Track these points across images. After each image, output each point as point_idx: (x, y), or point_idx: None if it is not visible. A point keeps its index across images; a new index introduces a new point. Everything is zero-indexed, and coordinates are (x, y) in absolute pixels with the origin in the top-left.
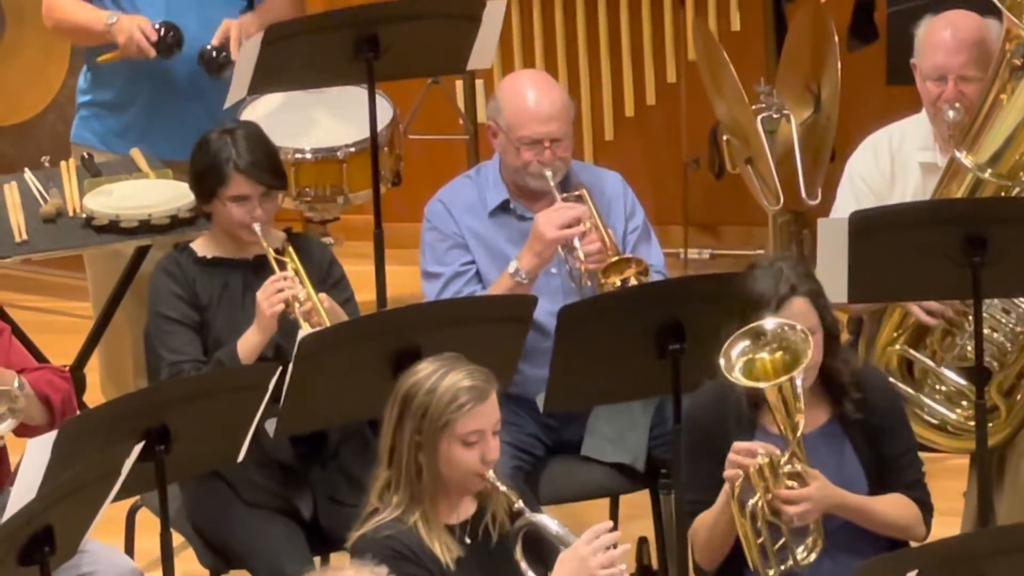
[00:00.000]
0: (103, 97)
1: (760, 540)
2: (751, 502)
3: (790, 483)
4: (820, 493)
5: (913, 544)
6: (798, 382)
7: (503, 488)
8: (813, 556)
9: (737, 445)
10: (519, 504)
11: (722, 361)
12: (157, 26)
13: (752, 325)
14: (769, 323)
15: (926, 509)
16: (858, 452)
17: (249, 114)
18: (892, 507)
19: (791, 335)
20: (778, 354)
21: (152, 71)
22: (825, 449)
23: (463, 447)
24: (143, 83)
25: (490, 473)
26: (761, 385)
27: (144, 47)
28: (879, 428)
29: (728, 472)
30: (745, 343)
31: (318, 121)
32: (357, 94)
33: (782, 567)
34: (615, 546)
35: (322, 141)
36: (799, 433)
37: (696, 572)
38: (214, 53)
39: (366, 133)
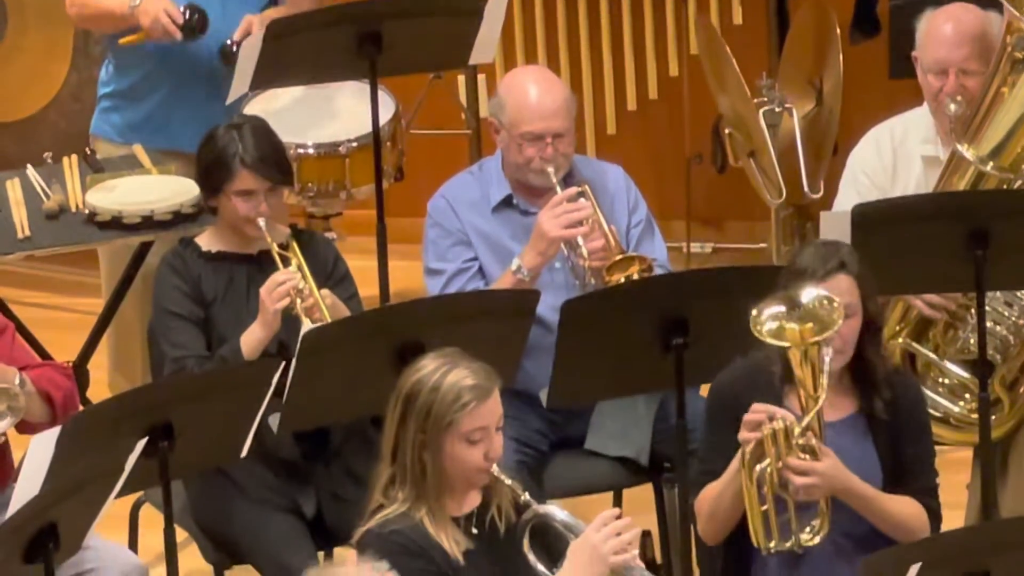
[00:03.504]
0: (123, 87)
1: (764, 508)
2: (760, 467)
3: (802, 455)
4: (830, 471)
5: None
6: (826, 357)
7: (509, 482)
8: (817, 539)
9: (757, 405)
10: (526, 496)
11: (752, 314)
12: (182, 8)
13: (790, 291)
14: (807, 293)
15: (935, 517)
16: (878, 449)
17: (252, 109)
18: (901, 507)
19: (824, 309)
20: (808, 325)
21: (174, 61)
22: (847, 440)
23: (467, 445)
24: (164, 74)
25: (494, 467)
26: (785, 344)
27: (170, 29)
28: (904, 430)
29: (743, 432)
30: (779, 308)
31: (321, 116)
32: (359, 89)
33: (785, 544)
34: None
35: (325, 136)
36: (819, 407)
37: (699, 565)
38: (234, 48)
39: (368, 128)
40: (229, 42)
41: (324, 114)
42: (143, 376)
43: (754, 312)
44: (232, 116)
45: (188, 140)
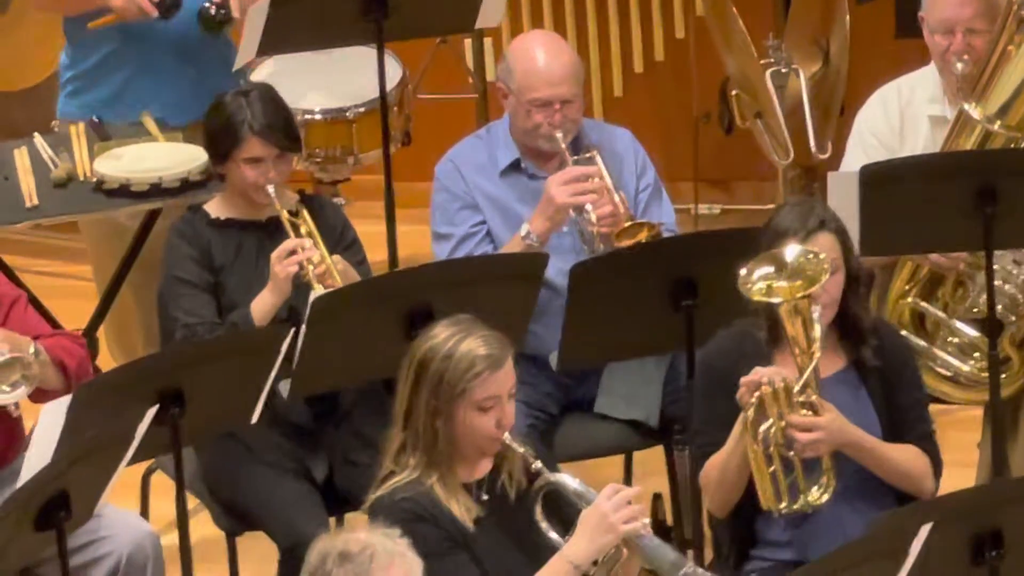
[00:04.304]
0: (87, 67)
1: (772, 469)
2: (763, 427)
3: (804, 412)
4: (833, 425)
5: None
6: (816, 314)
7: (521, 450)
8: (826, 497)
9: (754, 369)
10: (537, 464)
11: (742, 274)
12: None
13: (775, 250)
14: (792, 251)
15: (936, 463)
16: (873, 399)
17: (255, 76)
18: (904, 455)
19: (811, 264)
20: (797, 282)
21: (142, 35)
22: (842, 394)
23: (479, 413)
24: (129, 51)
25: (506, 435)
26: (776, 300)
27: (146, 8)
28: (894, 378)
29: (743, 391)
30: (767, 268)
31: (327, 81)
32: (366, 54)
33: (795, 505)
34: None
35: (331, 102)
36: (814, 363)
37: (710, 527)
38: (213, 10)
39: (375, 93)
40: (207, 4)
41: (331, 80)
42: (144, 348)
43: (743, 273)
44: (206, 85)
45: (166, 112)
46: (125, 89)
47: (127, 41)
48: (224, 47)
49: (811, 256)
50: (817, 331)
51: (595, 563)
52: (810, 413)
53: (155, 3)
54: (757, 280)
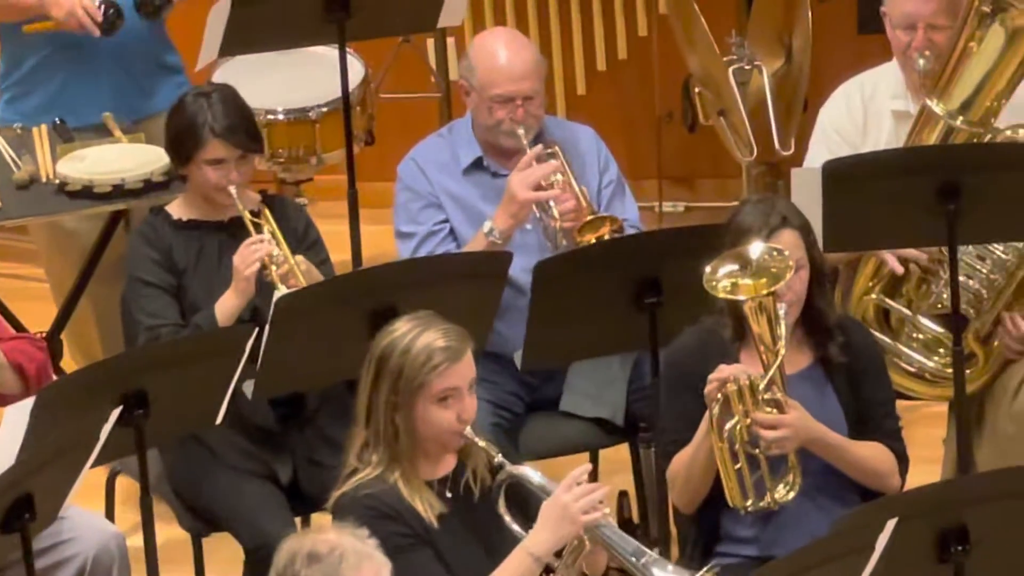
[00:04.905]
0: (22, 74)
1: (737, 466)
2: (729, 424)
3: (769, 409)
4: (798, 422)
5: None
6: (781, 311)
7: (482, 443)
8: (792, 494)
9: (720, 366)
10: (499, 458)
11: (707, 272)
12: (99, 4)
13: (740, 248)
14: (756, 248)
15: (902, 460)
16: (839, 396)
17: (221, 78)
18: (870, 452)
19: (776, 262)
20: (762, 279)
21: (73, 39)
22: (808, 391)
23: (439, 406)
24: (62, 56)
25: (468, 429)
26: (741, 297)
27: (89, 27)
28: (860, 374)
29: (709, 388)
30: (731, 266)
31: (289, 82)
32: (328, 54)
33: (760, 503)
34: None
35: (294, 102)
36: (779, 360)
37: (676, 524)
38: None
39: (338, 93)
40: None
41: (293, 80)
42: (103, 352)
43: (707, 270)
44: (138, 84)
45: (97, 113)
46: (62, 94)
47: (60, 47)
48: (156, 42)
49: (775, 253)
50: (782, 328)
51: (559, 555)
52: (775, 411)
53: (99, 24)
54: (722, 278)
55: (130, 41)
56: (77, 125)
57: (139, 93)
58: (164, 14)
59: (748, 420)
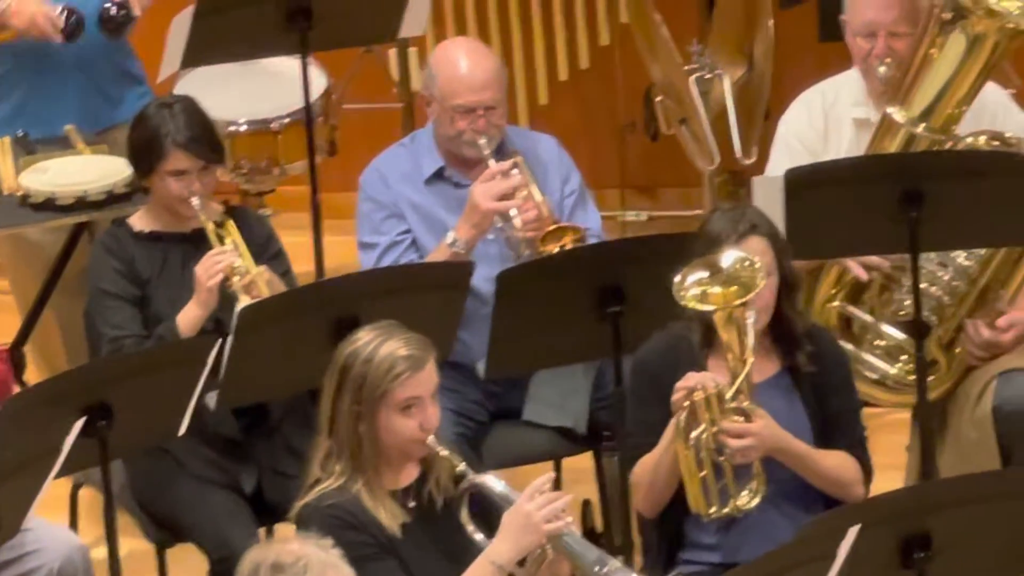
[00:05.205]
0: None
1: (702, 473)
2: (695, 432)
3: (736, 418)
4: (765, 431)
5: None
6: (749, 320)
7: (445, 452)
8: (756, 501)
9: (688, 375)
10: (462, 466)
11: (676, 280)
12: (60, 11)
13: (711, 256)
14: (728, 257)
15: (866, 471)
16: (806, 405)
17: (182, 89)
18: (835, 461)
19: (746, 271)
20: (732, 288)
21: (36, 50)
22: (775, 399)
23: (401, 415)
24: (26, 65)
25: (431, 438)
26: (710, 308)
27: (51, 34)
28: (827, 384)
29: (676, 397)
30: (701, 274)
31: (251, 93)
32: (290, 65)
33: (724, 510)
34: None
35: (256, 113)
36: (747, 369)
37: (640, 532)
38: (114, 10)
39: (300, 103)
40: (108, 4)
41: (255, 91)
42: (66, 364)
43: (677, 279)
44: (103, 93)
45: (61, 124)
46: (25, 105)
47: (22, 58)
48: (119, 52)
49: (747, 263)
50: (751, 338)
51: (522, 564)
52: (742, 419)
53: (60, 29)
54: (691, 286)
55: (94, 50)
56: (43, 136)
57: (105, 102)
58: (126, 32)
59: (715, 428)
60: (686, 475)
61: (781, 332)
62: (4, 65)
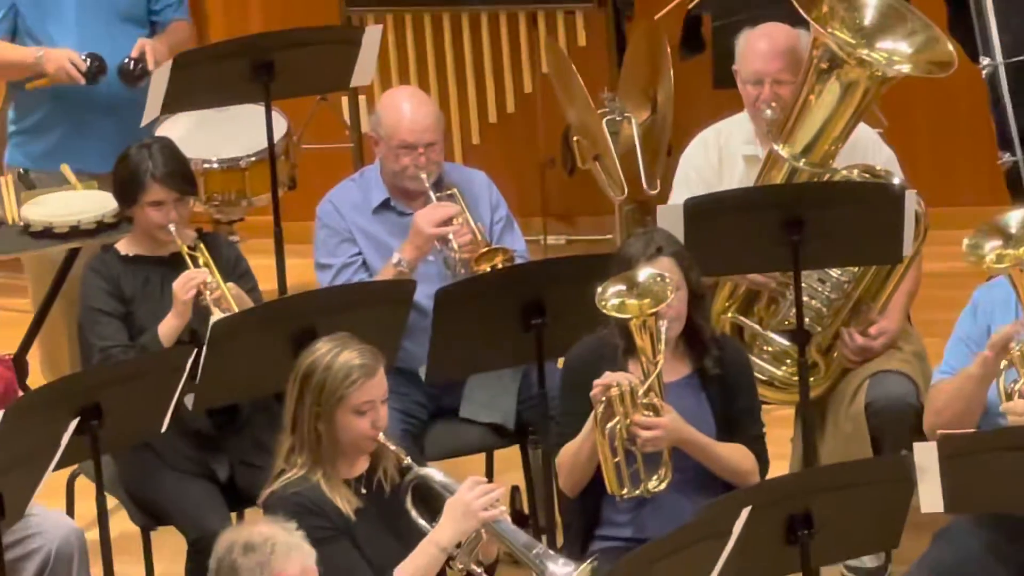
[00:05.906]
0: (29, 124)
1: (616, 460)
2: (611, 423)
3: (646, 412)
4: (671, 424)
5: None
6: (662, 328)
7: (393, 447)
8: (663, 485)
9: (606, 373)
10: (407, 460)
11: (598, 292)
12: (84, 57)
13: (628, 272)
14: (642, 273)
15: (762, 462)
16: (711, 403)
17: (164, 132)
18: (733, 453)
19: (658, 285)
20: (646, 300)
21: (72, 96)
22: (684, 397)
23: (356, 416)
24: (64, 110)
25: (381, 435)
26: (627, 316)
27: (75, 76)
28: (731, 385)
29: (595, 392)
30: (620, 286)
31: (222, 135)
32: (255, 111)
33: (635, 492)
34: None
35: (227, 152)
36: (658, 369)
37: (561, 514)
38: (132, 65)
39: (264, 145)
40: (127, 60)
41: (226, 133)
42: (71, 369)
43: (599, 291)
44: (128, 136)
45: (96, 162)
46: (61, 143)
47: (60, 101)
48: (142, 102)
49: (659, 278)
50: (662, 343)
51: (459, 545)
52: (651, 413)
53: (82, 72)
54: (611, 297)
55: (120, 98)
56: (78, 169)
57: (132, 141)
58: (143, 83)
59: (628, 420)
60: (603, 460)
61: (692, 338)
62: (45, 107)
